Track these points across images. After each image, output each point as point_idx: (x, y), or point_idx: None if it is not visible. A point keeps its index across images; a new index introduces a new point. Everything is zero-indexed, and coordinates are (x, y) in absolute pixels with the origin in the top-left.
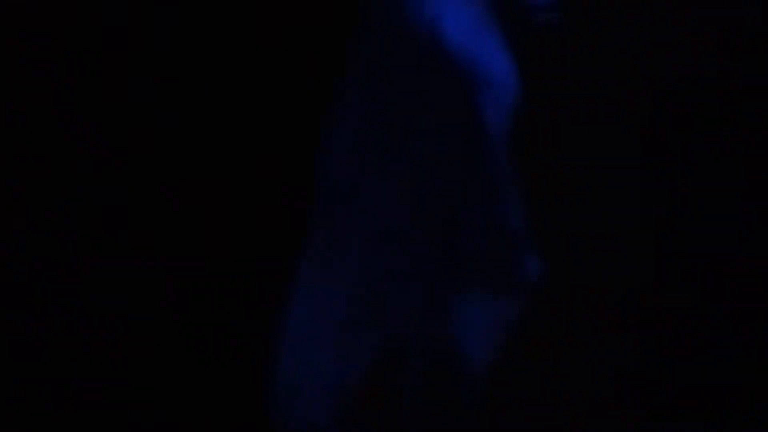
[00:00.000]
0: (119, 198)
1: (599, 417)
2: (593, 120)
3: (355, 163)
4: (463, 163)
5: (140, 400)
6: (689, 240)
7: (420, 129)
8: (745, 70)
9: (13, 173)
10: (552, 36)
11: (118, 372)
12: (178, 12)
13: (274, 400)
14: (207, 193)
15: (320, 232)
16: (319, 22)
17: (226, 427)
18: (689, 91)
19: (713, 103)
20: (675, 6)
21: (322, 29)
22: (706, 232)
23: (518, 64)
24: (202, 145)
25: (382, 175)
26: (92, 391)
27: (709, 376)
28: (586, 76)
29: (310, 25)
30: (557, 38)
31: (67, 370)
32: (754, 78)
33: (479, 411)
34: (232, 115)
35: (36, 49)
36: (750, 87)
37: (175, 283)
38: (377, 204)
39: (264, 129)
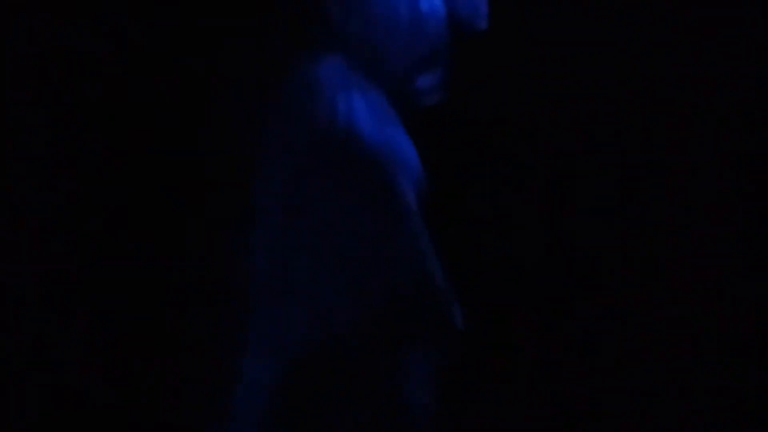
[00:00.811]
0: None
1: None
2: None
3: (285, 242)
4: (385, 232)
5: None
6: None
7: (344, 208)
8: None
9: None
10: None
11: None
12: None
13: None
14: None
15: (259, 308)
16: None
17: None
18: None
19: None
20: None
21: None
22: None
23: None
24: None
25: (313, 254)
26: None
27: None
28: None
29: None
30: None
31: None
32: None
33: None
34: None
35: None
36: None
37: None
38: (311, 279)
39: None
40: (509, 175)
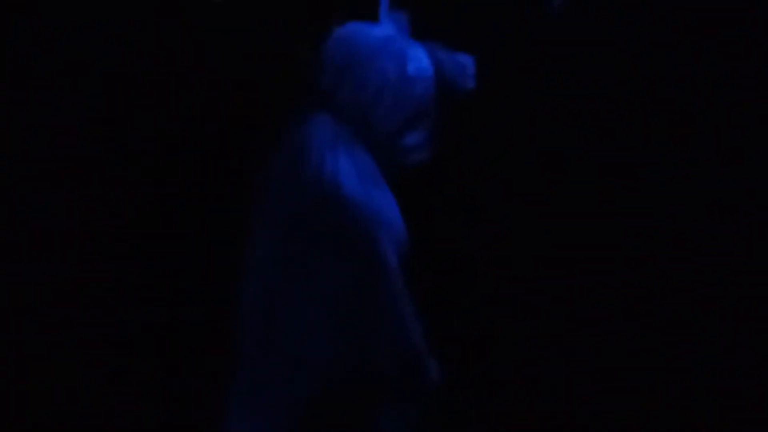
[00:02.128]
0: None
1: None
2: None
3: (271, 297)
4: (366, 291)
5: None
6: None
7: (327, 265)
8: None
9: None
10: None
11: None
12: None
13: None
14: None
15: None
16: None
17: None
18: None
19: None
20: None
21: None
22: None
23: (401, 202)
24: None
25: (296, 308)
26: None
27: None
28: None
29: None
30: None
31: None
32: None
33: None
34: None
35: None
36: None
37: None
38: (294, 333)
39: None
40: (492, 231)
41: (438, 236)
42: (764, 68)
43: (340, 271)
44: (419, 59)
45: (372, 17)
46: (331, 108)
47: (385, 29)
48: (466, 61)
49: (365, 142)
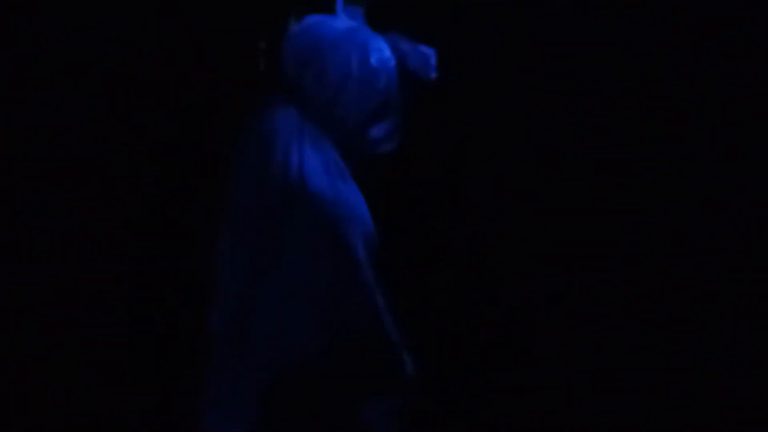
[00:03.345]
0: None
1: None
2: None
3: (242, 294)
4: (335, 285)
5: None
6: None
7: (295, 261)
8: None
9: None
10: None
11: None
12: None
13: None
14: None
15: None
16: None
17: None
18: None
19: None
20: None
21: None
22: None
23: (368, 197)
24: None
25: (267, 304)
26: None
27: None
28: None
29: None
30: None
31: None
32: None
33: None
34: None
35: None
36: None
37: None
38: (266, 329)
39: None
40: (460, 222)
41: (408, 228)
42: (764, 68)
43: (310, 267)
44: (381, 50)
45: (329, 11)
46: (295, 101)
47: (346, 22)
48: (428, 52)
49: (331, 134)
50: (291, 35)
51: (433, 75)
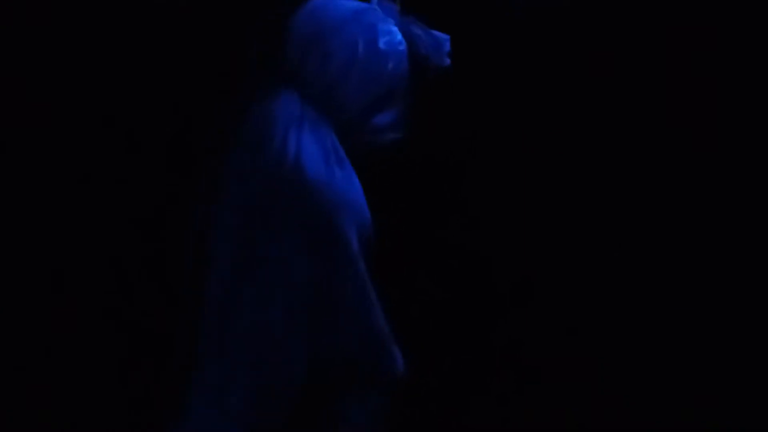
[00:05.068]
0: None
1: None
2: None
3: (233, 279)
4: (327, 276)
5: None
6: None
7: (288, 250)
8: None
9: None
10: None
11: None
12: None
13: None
14: None
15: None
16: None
17: None
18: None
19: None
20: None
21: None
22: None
23: (367, 186)
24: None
25: (257, 295)
26: None
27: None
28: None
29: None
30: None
31: None
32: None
33: None
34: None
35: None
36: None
37: None
38: (256, 321)
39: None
40: (458, 217)
41: (405, 221)
42: (764, 68)
43: (302, 256)
44: (392, 33)
45: None
46: (297, 84)
47: (355, 3)
48: (443, 38)
49: (332, 121)
50: (297, 15)
51: (446, 62)
